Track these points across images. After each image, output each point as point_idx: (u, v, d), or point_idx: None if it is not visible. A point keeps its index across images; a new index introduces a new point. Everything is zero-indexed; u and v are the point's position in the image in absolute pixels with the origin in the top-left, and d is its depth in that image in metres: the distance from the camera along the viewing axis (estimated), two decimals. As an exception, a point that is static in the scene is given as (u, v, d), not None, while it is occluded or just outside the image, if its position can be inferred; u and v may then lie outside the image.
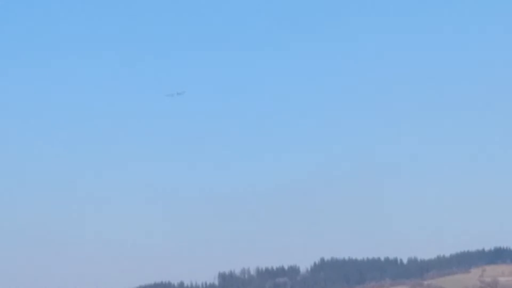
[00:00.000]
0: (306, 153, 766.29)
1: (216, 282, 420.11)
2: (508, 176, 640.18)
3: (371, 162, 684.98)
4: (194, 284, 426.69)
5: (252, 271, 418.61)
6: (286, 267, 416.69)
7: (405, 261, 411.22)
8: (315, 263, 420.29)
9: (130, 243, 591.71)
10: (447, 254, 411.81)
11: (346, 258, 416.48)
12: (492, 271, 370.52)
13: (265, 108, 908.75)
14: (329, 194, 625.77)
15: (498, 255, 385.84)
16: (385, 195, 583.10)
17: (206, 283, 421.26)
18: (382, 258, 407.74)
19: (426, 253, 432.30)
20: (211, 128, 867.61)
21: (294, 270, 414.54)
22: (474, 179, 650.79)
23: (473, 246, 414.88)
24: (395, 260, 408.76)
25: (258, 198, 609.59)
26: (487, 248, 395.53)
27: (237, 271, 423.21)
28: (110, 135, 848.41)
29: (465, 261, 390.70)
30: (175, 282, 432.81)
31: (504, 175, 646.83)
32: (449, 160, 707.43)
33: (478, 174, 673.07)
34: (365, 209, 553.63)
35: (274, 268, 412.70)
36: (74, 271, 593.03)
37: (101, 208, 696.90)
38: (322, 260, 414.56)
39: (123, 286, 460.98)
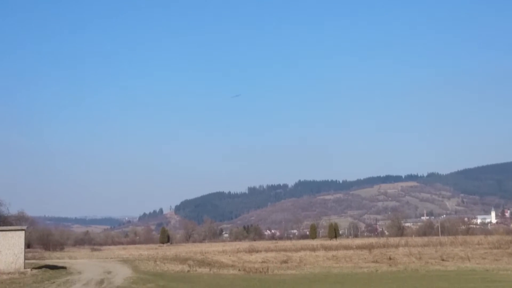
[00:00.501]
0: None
1: (247, 192, 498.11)
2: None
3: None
4: (234, 192, 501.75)
5: (264, 186, 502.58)
6: (281, 184, 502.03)
7: (340, 181, 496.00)
8: (295, 182, 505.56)
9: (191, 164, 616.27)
10: (362, 178, 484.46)
11: (311, 179, 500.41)
12: (385, 186, 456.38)
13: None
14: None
15: (388, 178, 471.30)
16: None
17: (241, 192, 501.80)
18: (329, 180, 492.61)
19: (351, 177, 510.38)
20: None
21: (285, 185, 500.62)
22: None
23: (376, 173, 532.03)
24: (336, 180, 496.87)
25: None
26: (382, 174, 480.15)
27: (257, 185, 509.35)
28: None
29: (370, 181, 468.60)
30: (225, 191, 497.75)
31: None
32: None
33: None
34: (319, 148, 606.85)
35: (275, 184, 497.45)
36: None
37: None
38: (299, 180, 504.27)
39: (189, 196, 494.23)
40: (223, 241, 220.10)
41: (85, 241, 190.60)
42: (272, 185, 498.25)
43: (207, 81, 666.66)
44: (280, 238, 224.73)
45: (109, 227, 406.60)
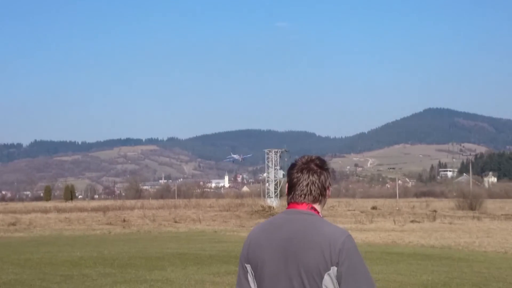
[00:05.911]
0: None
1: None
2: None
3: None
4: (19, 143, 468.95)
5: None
6: (15, 143, 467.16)
7: (79, 142, 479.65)
8: (31, 142, 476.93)
9: None
10: (102, 140, 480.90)
11: (49, 139, 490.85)
12: (125, 149, 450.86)
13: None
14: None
15: (128, 141, 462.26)
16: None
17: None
18: (68, 140, 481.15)
19: (91, 138, 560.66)
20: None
21: (19, 145, 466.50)
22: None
23: (116, 135, 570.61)
24: (75, 141, 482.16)
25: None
26: (122, 137, 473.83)
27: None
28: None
29: (110, 143, 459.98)
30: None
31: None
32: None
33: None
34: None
35: (8, 143, 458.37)
36: None
37: None
38: (35, 140, 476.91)
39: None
40: None
41: None
42: (4, 144, 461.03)
43: None
44: (12, 200, 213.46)
45: None
